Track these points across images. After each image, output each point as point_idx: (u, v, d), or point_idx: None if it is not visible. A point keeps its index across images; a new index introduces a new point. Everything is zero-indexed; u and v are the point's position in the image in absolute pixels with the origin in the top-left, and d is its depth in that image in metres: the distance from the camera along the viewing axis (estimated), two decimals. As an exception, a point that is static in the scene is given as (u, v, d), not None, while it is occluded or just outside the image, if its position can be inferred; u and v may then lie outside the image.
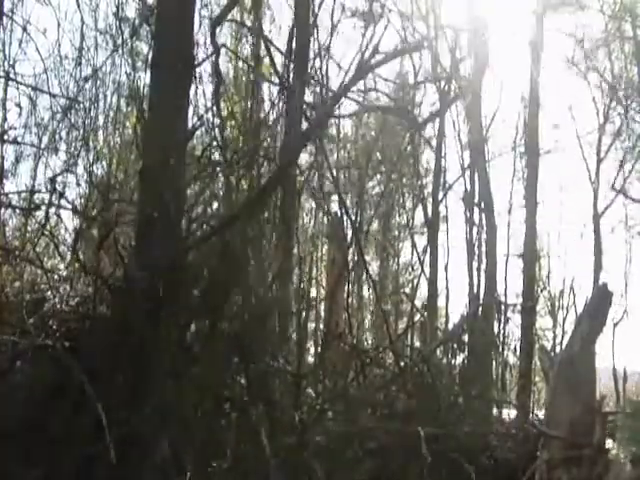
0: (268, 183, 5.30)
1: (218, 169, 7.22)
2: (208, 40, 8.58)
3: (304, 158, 11.54)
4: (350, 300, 13.14)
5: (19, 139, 9.38)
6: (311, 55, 10.03)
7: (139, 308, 4.79)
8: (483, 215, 15.44)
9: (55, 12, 9.48)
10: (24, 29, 9.31)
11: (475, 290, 15.73)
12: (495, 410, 8.85)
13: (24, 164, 9.62)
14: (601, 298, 5.52)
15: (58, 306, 5.36)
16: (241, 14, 12.17)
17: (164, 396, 4.63)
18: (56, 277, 6.06)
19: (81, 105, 10.24)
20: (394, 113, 13.59)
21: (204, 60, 8.11)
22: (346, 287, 10.00)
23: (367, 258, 16.69)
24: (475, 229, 16.30)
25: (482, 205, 15.39)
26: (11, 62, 9.53)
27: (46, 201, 6.11)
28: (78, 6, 9.75)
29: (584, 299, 6.37)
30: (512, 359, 13.51)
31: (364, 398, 6.61)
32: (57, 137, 10.01)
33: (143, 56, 10.68)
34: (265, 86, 11.70)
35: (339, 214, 12.51)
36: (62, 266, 6.66)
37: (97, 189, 9.15)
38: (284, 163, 5.51)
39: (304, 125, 9.32)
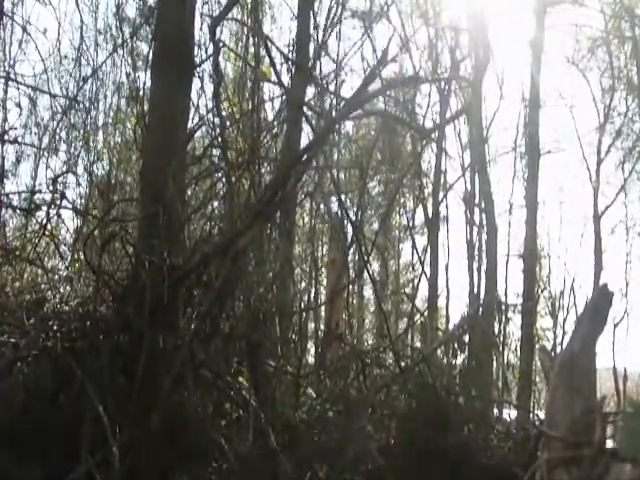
0: (267, 196, 5.28)
1: (218, 169, 7.22)
2: (208, 40, 8.56)
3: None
4: (350, 300, 13.15)
5: (19, 139, 9.40)
6: (311, 55, 10.06)
7: (141, 309, 4.79)
8: (483, 215, 15.46)
9: (55, 12, 9.50)
10: (24, 29, 9.35)
11: (475, 290, 15.75)
12: (495, 410, 8.84)
13: (24, 164, 9.65)
14: (601, 298, 5.50)
15: (58, 306, 5.35)
16: (241, 13, 12.17)
17: (167, 397, 4.63)
18: (56, 277, 6.07)
19: (81, 105, 10.26)
20: (402, 122, 13.59)
21: (204, 60, 8.09)
22: (346, 287, 9.99)
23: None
24: (475, 229, 16.34)
25: (482, 205, 15.39)
26: (11, 62, 9.55)
27: (47, 201, 6.11)
28: (77, 6, 9.76)
29: (584, 299, 6.37)
30: (513, 359, 13.54)
31: (364, 398, 6.61)
32: (57, 137, 10.03)
33: (143, 56, 10.68)
34: (266, 86, 11.70)
35: (339, 214, 12.50)
36: (62, 266, 6.68)
37: (97, 189, 9.16)
38: (282, 175, 5.49)
39: (304, 125, 9.35)
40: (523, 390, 12.71)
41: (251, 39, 11.64)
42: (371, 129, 18.32)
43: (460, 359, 7.68)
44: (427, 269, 16.38)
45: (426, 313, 15.04)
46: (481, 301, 13.89)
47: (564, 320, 18.95)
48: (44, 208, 6.08)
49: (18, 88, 9.22)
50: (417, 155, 16.32)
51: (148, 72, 7.97)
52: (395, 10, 14.72)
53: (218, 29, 9.15)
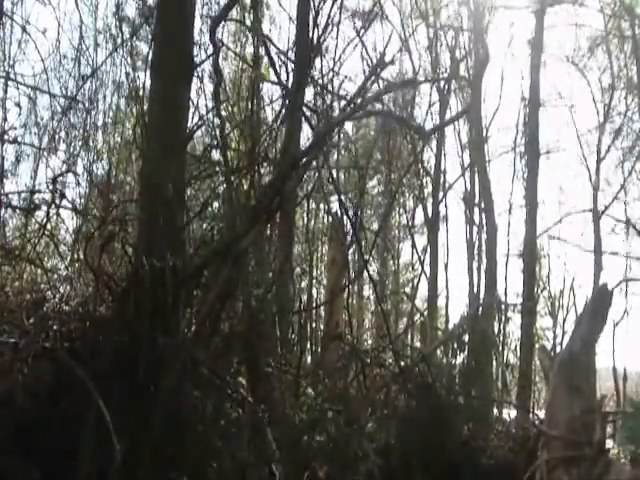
0: (267, 198, 5.28)
1: (218, 169, 7.22)
2: (208, 40, 8.56)
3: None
4: (350, 300, 13.15)
5: (19, 139, 9.39)
6: (310, 54, 10.03)
7: (141, 309, 4.78)
8: (483, 215, 15.46)
9: (55, 12, 9.51)
10: (24, 29, 9.34)
11: (475, 290, 15.76)
12: (495, 410, 8.84)
13: (24, 164, 9.64)
14: (601, 298, 5.52)
15: (58, 306, 5.35)
16: (241, 14, 12.15)
17: (166, 397, 4.63)
18: (56, 277, 6.07)
19: (81, 105, 10.26)
20: (400, 122, 13.61)
21: (204, 60, 8.09)
22: (346, 287, 10.00)
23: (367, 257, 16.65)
24: (475, 229, 16.35)
25: (482, 205, 15.40)
26: (11, 62, 9.55)
27: (46, 201, 6.11)
28: (77, 6, 9.76)
29: (584, 299, 6.38)
30: (513, 359, 13.52)
31: (364, 398, 6.61)
32: (57, 137, 10.03)
33: (143, 56, 10.68)
34: (266, 86, 11.70)
35: (339, 214, 12.51)
36: (62, 266, 6.67)
37: (97, 189, 9.16)
38: (280, 178, 5.49)
39: (303, 125, 9.35)
40: (523, 390, 12.71)
41: (250, 39, 11.64)
42: (371, 129, 18.31)
43: (460, 359, 7.68)
44: (427, 269, 16.39)
45: (426, 313, 15.05)
46: (481, 301, 13.90)
47: (564, 320, 18.92)
48: (44, 208, 6.09)
49: (18, 88, 9.22)
50: (417, 155, 16.33)
51: (148, 72, 7.96)
52: (395, 10, 14.76)
53: (218, 29, 9.12)
